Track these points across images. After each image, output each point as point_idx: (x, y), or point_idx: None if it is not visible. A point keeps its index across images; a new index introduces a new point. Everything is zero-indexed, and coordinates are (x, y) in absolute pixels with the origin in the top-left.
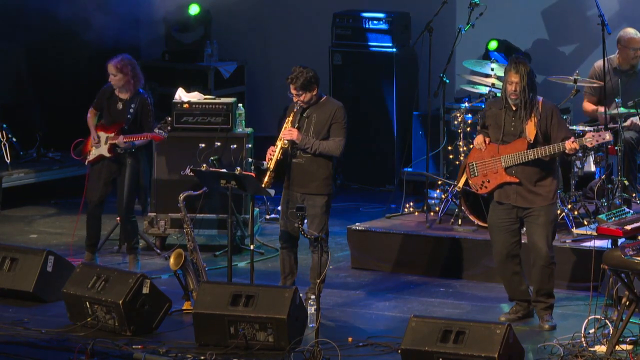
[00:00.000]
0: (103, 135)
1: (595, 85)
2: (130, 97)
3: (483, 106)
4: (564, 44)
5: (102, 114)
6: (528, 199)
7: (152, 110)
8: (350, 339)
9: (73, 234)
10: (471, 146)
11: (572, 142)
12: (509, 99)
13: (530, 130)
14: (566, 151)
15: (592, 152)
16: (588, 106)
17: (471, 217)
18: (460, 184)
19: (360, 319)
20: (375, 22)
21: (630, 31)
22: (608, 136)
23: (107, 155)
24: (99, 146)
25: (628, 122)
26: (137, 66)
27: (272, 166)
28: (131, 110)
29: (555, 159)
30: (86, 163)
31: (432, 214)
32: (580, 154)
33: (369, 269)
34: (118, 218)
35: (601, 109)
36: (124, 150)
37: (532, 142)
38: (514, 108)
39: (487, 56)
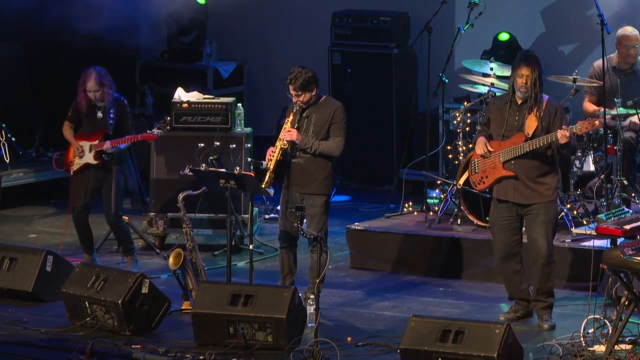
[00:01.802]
0: (86, 144)
1: (594, 85)
2: (108, 104)
3: (481, 108)
4: (564, 43)
5: (81, 125)
6: (526, 194)
7: (130, 112)
8: (349, 339)
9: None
10: (470, 146)
11: (563, 130)
12: (518, 92)
13: (530, 125)
14: (558, 140)
15: (592, 152)
16: (589, 106)
17: (470, 217)
18: (461, 182)
19: (359, 318)
20: (374, 21)
21: (627, 29)
22: (597, 122)
23: (94, 162)
24: (84, 155)
25: (627, 122)
26: (108, 73)
27: (271, 166)
28: (112, 116)
29: (554, 156)
30: (72, 174)
31: (431, 213)
32: (579, 154)
33: (368, 269)
34: (109, 227)
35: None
36: (110, 156)
37: (530, 136)
38: (519, 102)
39: (494, 47)
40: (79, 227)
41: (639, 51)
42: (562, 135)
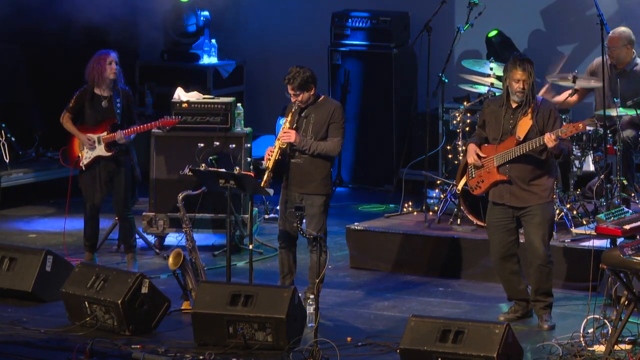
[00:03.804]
0: (93, 136)
1: (593, 84)
2: (112, 93)
3: (481, 107)
4: (563, 43)
5: (82, 116)
6: (522, 198)
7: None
8: (349, 339)
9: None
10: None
11: (550, 134)
12: (515, 96)
13: (523, 128)
14: (545, 144)
15: (591, 152)
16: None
17: (470, 217)
18: (460, 186)
19: (359, 318)
20: (374, 21)
21: (616, 29)
22: (581, 125)
23: (106, 154)
24: (94, 147)
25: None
26: None
27: (270, 166)
28: (118, 105)
29: (549, 158)
30: (83, 168)
31: (431, 213)
32: (579, 154)
33: (368, 269)
34: (117, 217)
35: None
36: (122, 146)
37: (521, 139)
38: (514, 106)
39: (489, 44)
40: (89, 224)
41: (631, 51)
42: (548, 139)
